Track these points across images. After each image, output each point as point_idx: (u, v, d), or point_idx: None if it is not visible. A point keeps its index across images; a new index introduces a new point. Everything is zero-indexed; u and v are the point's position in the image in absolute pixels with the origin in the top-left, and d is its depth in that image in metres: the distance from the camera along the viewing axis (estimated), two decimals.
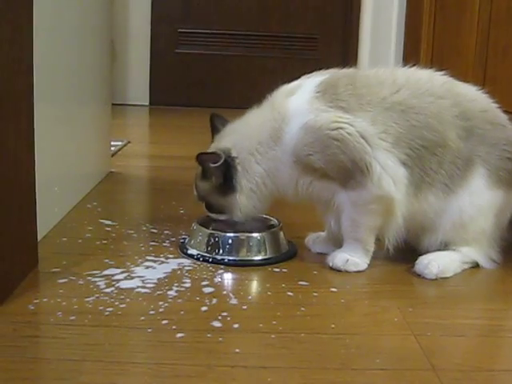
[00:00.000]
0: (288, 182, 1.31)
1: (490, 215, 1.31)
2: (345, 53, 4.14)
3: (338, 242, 1.35)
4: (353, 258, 1.29)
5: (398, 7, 3.77)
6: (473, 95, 1.35)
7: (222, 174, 1.33)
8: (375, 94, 1.27)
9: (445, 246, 1.33)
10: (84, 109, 1.86)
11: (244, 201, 1.33)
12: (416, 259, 1.30)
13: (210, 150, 1.37)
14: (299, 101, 1.29)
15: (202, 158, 1.34)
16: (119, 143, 2.64)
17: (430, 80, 1.32)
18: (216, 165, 1.32)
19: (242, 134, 1.35)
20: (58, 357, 0.92)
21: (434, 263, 1.28)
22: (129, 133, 3.11)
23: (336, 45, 4.19)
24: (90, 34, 1.89)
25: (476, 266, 1.34)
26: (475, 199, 1.29)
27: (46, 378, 0.88)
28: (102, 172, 2.09)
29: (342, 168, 1.24)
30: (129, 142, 2.78)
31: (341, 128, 1.23)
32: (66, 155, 1.64)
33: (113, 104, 2.30)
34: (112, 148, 2.36)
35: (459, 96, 1.31)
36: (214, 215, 1.40)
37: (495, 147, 1.30)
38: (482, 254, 1.33)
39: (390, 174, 1.24)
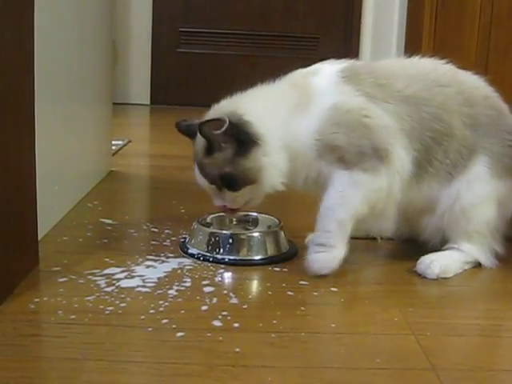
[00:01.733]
0: (303, 165, 1.25)
1: (492, 204, 1.31)
2: (346, 53, 4.13)
3: None
4: (331, 253, 1.23)
5: (399, 7, 3.77)
6: (475, 82, 1.36)
7: (232, 137, 1.21)
8: (393, 86, 1.29)
9: (447, 243, 1.33)
10: (85, 108, 1.86)
11: (272, 156, 1.23)
12: (417, 259, 1.30)
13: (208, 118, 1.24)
14: (325, 82, 1.28)
15: (204, 128, 1.21)
16: (120, 142, 2.64)
17: (435, 69, 1.34)
18: (222, 130, 1.19)
19: (253, 97, 1.29)
20: (59, 356, 0.92)
21: (436, 263, 1.27)
22: (130, 132, 3.11)
23: (337, 45, 4.18)
24: (92, 34, 1.89)
25: (477, 265, 1.34)
26: (476, 187, 1.29)
27: (46, 377, 0.88)
28: (103, 171, 2.09)
29: (362, 152, 1.23)
30: (130, 141, 2.78)
31: (369, 116, 1.24)
32: (67, 154, 1.65)
33: (114, 103, 2.30)
34: (113, 147, 2.36)
35: (462, 83, 1.33)
36: (235, 199, 1.25)
37: (498, 134, 1.31)
38: (484, 251, 1.32)
39: (403, 165, 1.25)
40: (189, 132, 1.32)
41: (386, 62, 1.38)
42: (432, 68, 1.34)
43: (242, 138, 1.21)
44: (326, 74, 1.30)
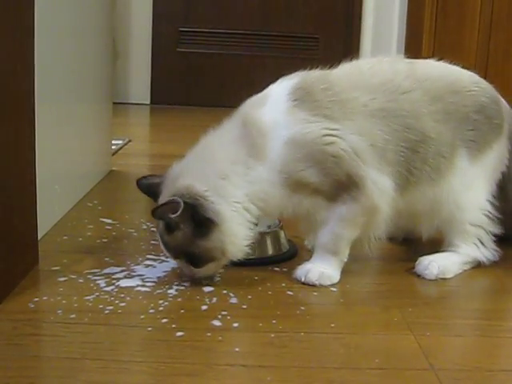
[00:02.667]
0: (277, 204, 1.20)
1: (481, 188, 1.31)
2: (346, 53, 4.13)
3: None
4: (327, 271, 1.22)
5: (399, 8, 3.77)
6: (437, 72, 1.31)
7: (190, 216, 1.14)
8: (355, 100, 1.21)
9: (446, 244, 1.33)
10: (85, 107, 1.86)
11: (234, 230, 1.16)
12: (417, 259, 1.30)
13: (164, 200, 1.17)
14: (275, 112, 1.19)
15: (159, 214, 1.15)
16: (120, 142, 2.64)
17: (395, 74, 1.27)
18: (177, 214, 1.13)
19: (206, 160, 1.20)
20: (58, 355, 0.92)
21: (435, 264, 1.27)
22: (130, 131, 3.11)
23: (337, 45, 4.18)
24: (92, 33, 1.89)
25: (477, 265, 1.33)
26: (464, 180, 1.28)
27: (46, 376, 0.89)
28: (103, 170, 2.09)
29: (337, 181, 1.18)
30: (130, 141, 2.78)
31: (334, 143, 1.17)
32: (67, 154, 1.65)
33: (114, 103, 2.30)
34: (113, 147, 2.36)
35: (425, 80, 1.27)
36: (200, 273, 1.19)
37: (468, 119, 1.28)
38: (481, 249, 1.31)
39: (379, 187, 1.20)
40: (150, 193, 1.26)
41: (342, 72, 1.27)
42: (392, 73, 1.26)
43: (198, 219, 1.15)
44: (275, 102, 1.20)
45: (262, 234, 1.36)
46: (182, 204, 1.12)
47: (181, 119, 3.77)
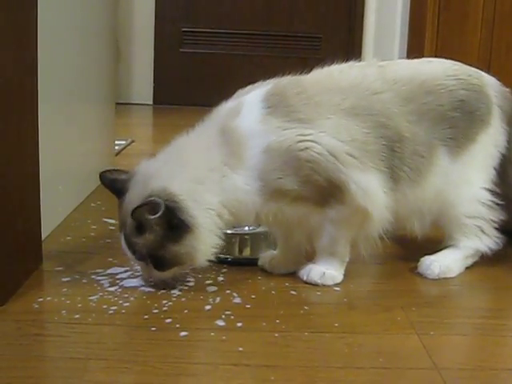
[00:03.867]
0: (250, 211, 1.18)
1: (474, 178, 1.29)
2: (348, 53, 4.13)
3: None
4: (329, 271, 1.23)
5: (401, 6, 3.77)
6: (407, 75, 1.28)
7: (165, 219, 1.12)
8: (329, 102, 1.21)
9: (446, 239, 1.32)
10: (88, 108, 1.86)
11: (205, 237, 1.15)
12: (420, 258, 1.30)
13: (141, 200, 1.13)
14: (250, 121, 1.18)
15: (137, 214, 1.12)
16: (123, 142, 2.64)
17: (364, 77, 1.26)
18: (157, 215, 1.11)
19: (182, 163, 1.19)
20: (62, 355, 0.93)
21: (436, 264, 1.28)
22: (133, 132, 3.11)
23: (339, 45, 4.18)
24: (95, 34, 1.89)
25: (480, 256, 1.32)
26: (450, 178, 1.27)
27: (50, 377, 0.89)
28: None
29: (319, 187, 1.17)
30: (133, 141, 2.78)
31: (308, 148, 1.16)
32: (71, 154, 1.65)
33: (117, 103, 2.30)
34: (116, 147, 2.36)
35: (395, 83, 1.25)
36: (161, 276, 1.17)
37: (444, 118, 1.26)
38: (481, 239, 1.30)
39: (362, 188, 1.18)
40: (113, 188, 1.23)
41: (313, 77, 1.27)
42: (361, 77, 1.25)
43: (175, 223, 1.13)
44: (249, 111, 1.19)
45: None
46: (163, 206, 1.11)
47: (184, 119, 3.75)
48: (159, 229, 1.13)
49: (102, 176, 1.23)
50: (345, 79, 1.26)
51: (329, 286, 1.21)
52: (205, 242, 1.15)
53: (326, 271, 1.23)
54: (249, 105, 1.20)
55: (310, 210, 1.19)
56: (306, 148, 1.16)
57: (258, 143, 1.16)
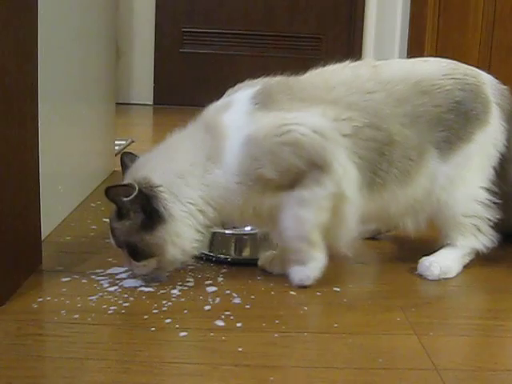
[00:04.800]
0: (234, 207, 1.18)
1: (470, 178, 1.28)
2: (349, 53, 4.13)
3: None
4: (310, 266, 1.20)
5: (402, 6, 3.77)
6: (400, 75, 1.26)
7: (140, 207, 1.15)
8: (314, 95, 1.21)
9: (443, 238, 1.32)
10: (88, 108, 1.86)
11: (180, 231, 1.16)
12: (419, 258, 1.30)
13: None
14: (236, 115, 1.19)
15: (111, 193, 1.15)
16: (123, 142, 2.64)
17: (356, 77, 1.25)
18: (130, 198, 1.14)
19: (167, 158, 1.21)
20: (62, 355, 0.93)
21: (436, 264, 1.28)
22: (133, 132, 3.11)
23: (340, 45, 4.18)
24: (95, 34, 1.89)
25: (479, 259, 1.33)
26: (443, 179, 1.26)
27: (49, 376, 0.89)
28: (106, 171, 2.09)
29: (297, 173, 1.15)
30: (132, 141, 2.78)
31: (291, 130, 1.15)
32: (70, 154, 1.65)
33: (117, 103, 2.30)
34: (116, 147, 2.36)
35: (389, 83, 1.24)
36: (140, 266, 1.18)
37: (439, 121, 1.24)
38: (478, 237, 1.29)
39: (346, 171, 1.17)
40: (126, 164, 1.26)
41: (304, 76, 1.27)
42: (353, 77, 1.24)
43: (149, 211, 1.15)
44: (238, 106, 1.20)
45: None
46: (137, 189, 1.14)
47: (184, 120, 3.76)
48: (135, 216, 1.15)
49: (121, 158, 1.27)
50: (335, 77, 1.25)
51: (328, 287, 1.21)
52: (177, 236, 1.16)
53: (308, 271, 1.20)
54: (238, 102, 1.21)
55: (283, 195, 1.17)
56: (288, 131, 1.15)
57: (240, 135, 1.17)
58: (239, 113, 1.19)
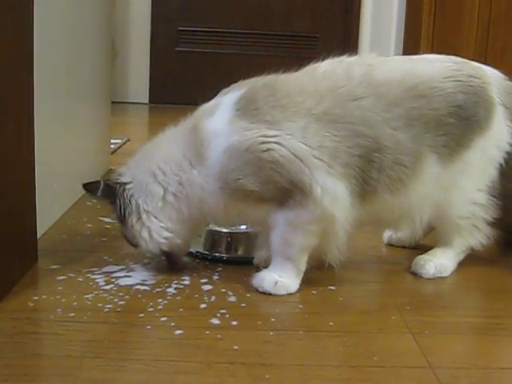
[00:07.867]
0: (216, 209, 1.19)
1: (468, 182, 1.26)
2: (345, 51, 4.14)
3: None
4: (282, 280, 1.17)
5: (397, 5, 3.77)
6: (396, 77, 1.21)
7: (112, 201, 1.23)
8: (300, 105, 1.17)
9: (439, 236, 1.33)
10: (84, 107, 1.86)
11: (148, 223, 1.20)
12: (414, 257, 1.31)
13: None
14: (219, 122, 1.18)
15: (85, 188, 1.24)
16: (119, 141, 2.64)
17: (348, 80, 1.20)
18: (97, 193, 1.22)
19: (144, 155, 1.26)
20: (58, 353, 0.93)
21: (431, 263, 1.28)
22: (128, 131, 3.11)
23: (336, 44, 4.18)
24: (90, 32, 1.89)
25: (475, 258, 1.33)
26: (441, 184, 1.23)
27: (45, 375, 0.89)
28: (102, 170, 2.09)
29: (279, 188, 1.13)
30: (128, 140, 2.78)
31: (271, 149, 1.13)
32: (66, 153, 1.65)
33: (112, 102, 2.30)
34: (111, 146, 2.36)
35: (381, 86, 1.19)
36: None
37: (438, 124, 1.20)
38: (473, 236, 1.29)
39: (330, 193, 1.13)
40: None
41: (292, 77, 1.23)
42: (344, 79, 1.19)
43: (119, 205, 1.22)
44: (221, 112, 1.19)
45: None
46: (102, 185, 1.21)
47: (179, 119, 3.76)
48: (114, 209, 1.23)
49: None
50: (325, 81, 1.20)
51: (324, 286, 1.21)
52: (145, 230, 1.21)
53: (279, 280, 1.17)
54: (223, 107, 1.21)
55: (271, 210, 1.16)
56: (269, 149, 1.14)
57: (220, 143, 1.16)
58: (221, 119, 1.18)
